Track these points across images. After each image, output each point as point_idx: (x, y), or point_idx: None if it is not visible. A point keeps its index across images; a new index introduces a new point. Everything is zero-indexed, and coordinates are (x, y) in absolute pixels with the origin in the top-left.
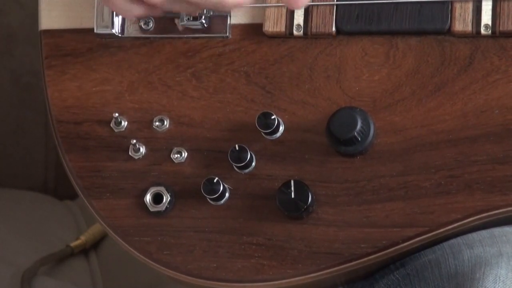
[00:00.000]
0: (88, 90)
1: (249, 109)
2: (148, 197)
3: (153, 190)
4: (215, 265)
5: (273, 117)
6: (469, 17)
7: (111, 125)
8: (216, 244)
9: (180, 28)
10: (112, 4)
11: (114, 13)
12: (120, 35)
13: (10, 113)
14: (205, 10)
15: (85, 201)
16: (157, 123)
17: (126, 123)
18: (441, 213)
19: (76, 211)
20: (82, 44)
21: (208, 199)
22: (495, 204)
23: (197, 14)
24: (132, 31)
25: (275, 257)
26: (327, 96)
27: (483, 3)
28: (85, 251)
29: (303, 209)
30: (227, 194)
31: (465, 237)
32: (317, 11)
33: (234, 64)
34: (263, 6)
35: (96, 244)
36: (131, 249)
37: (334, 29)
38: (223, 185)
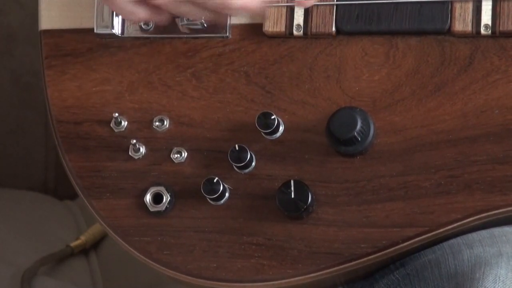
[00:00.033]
0: (88, 90)
1: (249, 109)
2: (148, 197)
3: (153, 190)
4: (215, 265)
5: (273, 117)
6: (469, 17)
7: (111, 125)
8: (216, 244)
9: (181, 28)
10: (115, 5)
11: (114, 13)
12: (120, 35)
13: (10, 113)
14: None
15: (85, 201)
16: (157, 123)
17: (126, 123)
18: (441, 213)
19: (76, 211)
20: (82, 44)
21: (208, 199)
22: (495, 204)
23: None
24: (132, 31)
25: (275, 257)
26: (327, 96)
27: (483, 3)
28: (85, 251)
29: (303, 209)
30: (227, 194)
31: (465, 237)
32: (317, 11)
33: (234, 64)
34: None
35: (96, 244)
36: (131, 249)
37: (334, 29)
38: (223, 185)
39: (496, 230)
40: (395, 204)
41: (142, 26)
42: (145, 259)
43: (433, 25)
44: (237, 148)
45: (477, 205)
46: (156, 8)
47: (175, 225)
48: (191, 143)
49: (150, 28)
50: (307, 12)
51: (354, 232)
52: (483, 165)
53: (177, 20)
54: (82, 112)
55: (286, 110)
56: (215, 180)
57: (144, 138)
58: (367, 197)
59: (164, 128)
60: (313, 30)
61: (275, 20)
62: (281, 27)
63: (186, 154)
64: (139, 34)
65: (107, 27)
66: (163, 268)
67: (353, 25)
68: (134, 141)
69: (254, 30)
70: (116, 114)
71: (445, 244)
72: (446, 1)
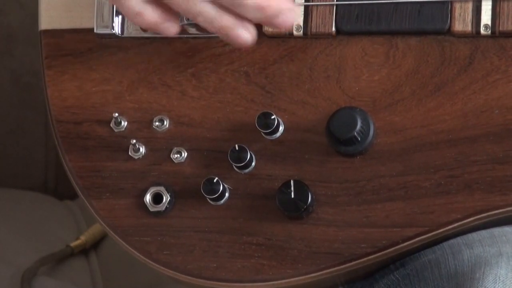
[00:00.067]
0: (88, 90)
1: (249, 109)
2: (148, 197)
3: (153, 190)
4: (215, 265)
5: (273, 117)
6: (469, 17)
7: (111, 125)
8: (216, 244)
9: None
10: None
11: (114, 12)
12: (120, 35)
13: (10, 113)
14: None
15: (85, 201)
16: (157, 123)
17: (126, 123)
18: (441, 213)
19: (76, 211)
20: (82, 44)
21: (208, 199)
22: (495, 204)
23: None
24: (132, 31)
25: (275, 257)
26: (327, 96)
27: (483, 3)
28: (85, 251)
29: (303, 209)
30: (227, 194)
31: (465, 237)
32: (317, 11)
33: (234, 64)
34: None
35: (96, 244)
36: (131, 249)
37: (334, 29)
38: (223, 185)
39: (496, 230)
40: (395, 204)
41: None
42: (145, 259)
43: (433, 25)
44: (237, 148)
45: (477, 205)
46: (166, 11)
47: (175, 225)
48: (191, 143)
49: None
50: (307, 12)
51: (354, 232)
52: (483, 165)
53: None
54: (82, 112)
55: (286, 110)
56: (215, 180)
57: (144, 138)
58: (367, 197)
59: (164, 128)
60: (313, 30)
61: None
62: None
63: (186, 154)
64: (139, 34)
65: (107, 27)
66: (163, 268)
67: (353, 25)
68: (134, 141)
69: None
70: (116, 114)
71: (445, 244)
72: (446, 1)
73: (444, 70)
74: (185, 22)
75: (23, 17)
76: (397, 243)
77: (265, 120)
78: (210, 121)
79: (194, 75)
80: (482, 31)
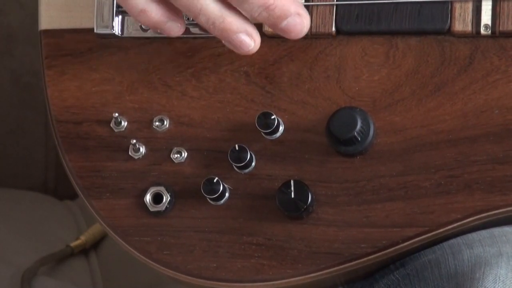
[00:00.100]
0: (88, 90)
1: (249, 109)
2: (148, 197)
3: (153, 190)
4: (215, 265)
5: (273, 117)
6: (469, 17)
7: (111, 125)
8: (216, 244)
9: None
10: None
11: (114, 12)
12: (120, 35)
13: (10, 113)
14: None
15: (85, 201)
16: (157, 123)
17: (126, 123)
18: (441, 213)
19: (76, 211)
20: (82, 44)
21: (208, 199)
22: (495, 204)
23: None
24: (132, 31)
25: (275, 257)
26: (327, 96)
27: (483, 3)
28: (85, 251)
29: (303, 209)
30: (227, 194)
31: (465, 237)
32: (317, 11)
33: (234, 64)
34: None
35: (96, 244)
36: (131, 249)
37: (334, 29)
38: (223, 185)
39: (496, 230)
40: (395, 204)
41: (142, 26)
42: (145, 259)
43: (433, 25)
44: (237, 148)
45: (477, 205)
46: (171, 10)
47: (175, 225)
48: (191, 143)
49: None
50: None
51: (354, 232)
52: (483, 165)
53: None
54: (82, 112)
55: (286, 110)
56: (215, 180)
57: (144, 138)
58: (367, 197)
59: (164, 128)
60: (313, 30)
61: None
62: None
63: (186, 154)
64: (139, 34)
65: (107, 27)
66: (163, 268)
67: (353, 25)
68: (134, 141)
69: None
70: (116, 114)
71: (445, 244)
72: (446, 1)
73: (444, 70)
74: (186, 22)
75: (23, 17)
76: (397, 243)
77: (265, 120)
78: (210, 121)
79: (194, 75)
80: (482, 31)
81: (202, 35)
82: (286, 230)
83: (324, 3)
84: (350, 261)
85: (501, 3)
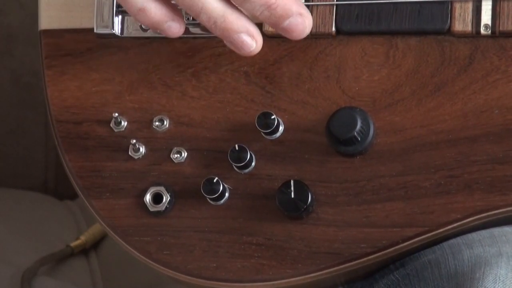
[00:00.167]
0: (88, 90)
1: (249, 109)
2: (148, 197)
3: (153, 190)
4: (215, 265)
5: (273, 117)
6: (469, 17)
7: (110, 125)
8: (216, 244)
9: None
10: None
11: (114, 12)
12: (120, 35)
13: (10, 113)
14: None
15: (85, 201)
16: (157, 123)
17: (126, 123)
18: (441, 213)
19: (76, 211)
20: (82, 44)
21: (208, 199)
22: (495, 204)
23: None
24: (132, 31)
25: (275, 257)
26: (327, 96)
27: (483, 3)
28: (85, 251)
29: (302, 209)
30: (227, 194)
31: (464, 237)
32: (317, 11)
33: (234, 64)
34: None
35: (96, 244)
36: (131, 249)
37: (334, 29)
38: (223, 185)
39: (496, 230)
40: (395, 204)
41: (142, 26)
42: (145, 259)
43: (433, 25)
44: (237, 148)
45: (477, 205)
46: (171, 9)
47: (175, 225)
48: (191, 143)
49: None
50: None
51: (354, 232)
52: (483, 165)
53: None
54: (82, 112)
55: (286, 110)
56: (215, 180)
57: (144, 138)
58: (367, 197)
59: (164, 128)
60: (313, 30)
61: None
62: None
63: (186, 154)
64: (139, 34)
65: (107, 27)
66: (163, 268)
67: (353, 25)
68: (134, 141)
69: None
70: (116, 114)
71: (445, 244)
72: (446, 1)
73: (444, 70)
74: (185, 21)
75: (23, 17)
76: (397, 243)
77: (265, 120)
78: (210, 121)
79: (194, 75)
80: (482, 31)
81: (202, 35)
82: (286, 230)
83: (324, 3)
84: (350, 261)
85: (501, 3)
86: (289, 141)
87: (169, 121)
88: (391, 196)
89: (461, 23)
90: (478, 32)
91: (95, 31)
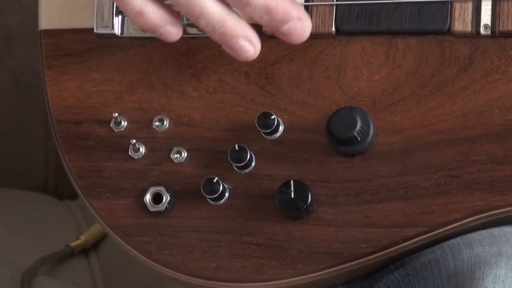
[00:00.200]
0: (88, 90)
1: (249, 109)
2: (148, 197)
3: (153, 190)
4: (215, 265)
5: (272, 117)
6: (469, 17)
7: (110, 125)
8: (216, 244)
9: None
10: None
11: (114, 12)
12: (120, 35)
13: (10, 113)
14: None
15: (85, 201)
16: (156, 123)
17: (125, 123)
18: (441, 213)
19: (76, 211)
20: (82, 44)
21: (208, 199)
22: (495, 204)
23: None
24: (132, 31)
25: (274, 257)
26: (327, 96)
27: (483, 3)
28: (85, 251)
29: (302, 209)
30: (226, 194)
31: (464, 237)
32: (317, 11)
33: (234, 64)
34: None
35: (96, 244)
36: (131, 249)
37: (334, 29)
38: (223, 185)
39: (496, 230)
40: (395, 204)
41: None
42: (145, 259)
43: (433, 25)
44: (237, 148)
45: (477, 205)
46: (169, 13)
47: (175, 225)
48: (191, 143)
49: None
50: (307, 13)
51: (354, 232)
52: (483, 165)
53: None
54: (81, 112)
55: (286, 110)
56: (215, 180)
57: (144, 138)
58: (367, 197)
59: (164, 128)
60: (313, 30)
61: None
62: None
63: (186, 154)
64: (139, 34)
65: (107, 27)
66: (163, 268)
67: (353, 25)
68: (134, 141)
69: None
70: (116, 114)
71: (445, 244)
72: (446, 1)
73: (444, 70)
74: (185, 22)
75: (23, 17)
76: (397, 243)
77: (265, 120)
78: (210, 121)
79: (194, 75)
80: (482, 31)
81: (202, 35)
82: (286, 230)
83: (324, 3)
84: (350, 261)
85: (501, 3)
86: (289, 141)
87: (169, 121)
88: (391, 196)
89: (461, 23)
90: (478, 32)
91: (95, 31)
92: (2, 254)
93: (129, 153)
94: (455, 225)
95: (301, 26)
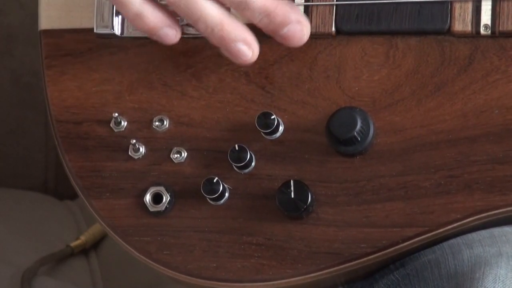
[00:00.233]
0: (88, 90)
1: (249, 109)
2: (148, 197)
3: (153, 190)
4: (215, 265)
5: (272, 117)
6: (469, 17)
7: (110, 125)
8: (216, 244)
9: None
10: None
11: (114, 12)
12: (120, 35)
13: (10, 113)
14: None
15: (85, 201)
16: (156, 123)
17: (125, 123)
18: (441, 213)
19: (76, 211)
20: (82, 44)
21: (208, 199)
22: (495, 204)
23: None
24: (132, 31)
25: (274, 257)
26: (327, 96)
27: (483, 3)
28: (85, 251)
29: (302, 209)
30: (226, 194)
31: (464, 237)
32: (317, 11)
33: (234, 64)
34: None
35: (96, 244)
36: (131, 249)
37: (334, 29)
38: (223, 185)
39: (496, 230)
40: (395, 204)
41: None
42: (145, 259)
43: (433, 25)
44: (237, 148)
45: (477, 205)
46: (167, 15)
47: (175, 225)
48: (191, 143)
49: None
50: (307, 12)
51: (354, 232)
52: (483, 165)
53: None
54: (81, 112)
55: (286, 110)
56: (215, 180)
57: (144, 138)
58: (367, 197)
59: (164, 128)
60: (313, 30)
61: None
62: None
63: (186, 154)
64: (139, 34)
65: (107, 27)
66: (163, 268)
67: (353, 25)
68: (134, 141)
69: (254, 30)
70: (116, 114)
71: (445, 244)
72: (446, 1)
73: (444, 70)
74: (185, 21)
75: (23, 17)
76: (397, 243)
77: (265, 120)
78: (210, 121)
79: (194, 75)
80: (482, 31)
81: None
82: (286, 230)
83: (324, 3)
84: (350, 261)
85: (501, 3)
86: (289, 141)
87: (169, 121)
88: (391, 196)
89: (461, 23)
90: (478, 32)
91: (95, 31)
92: (2, 254)
93: (129, 153)
94: (455, 225)
95: (300, 29)
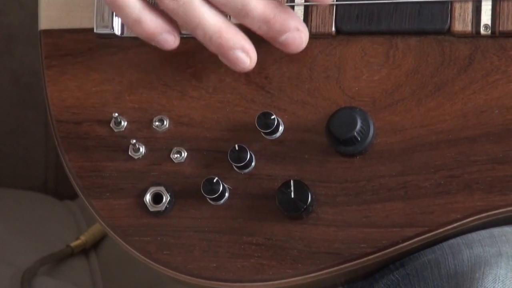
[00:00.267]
0: (88, 90)
1: (249, 109)
2: (147, 197)
3: (152, 190)
4: (215, 265)
5: (272, 117)
6: (469, 17)
7: (110, 125)
8: (216, 244)
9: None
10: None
11: (114, 13)
12: (120, 35)
13: (10, 113)
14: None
15: (85, 201)
16: (156, 123)
17: (125, 123)
18: (441, 213)
19: (76, 211)
20: (82, 44)
21: (208, 199)
22: (495, 204)
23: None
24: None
25: (274, 257)
26: (327, 96)
27: (483, 3)
28: (85, 251)
29: (302, 209)
30: (226, 194)
31: (464, 237)
32: (317, 11)
33: None
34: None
35: (96, 244)
36: (131, 249)
37: (334, 29)
38: (223, 185)
39: (496, 230)
40: (395, 204)
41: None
42: (145, 259)
43: (433, 25)
44: (237, 148)
45: (477, 205)
46: (166, 21)
47: (175, 225)
48: (191, 143)
49: None
50: (307, 12)
51: (354, 232)
52: (483, 165)
53: None
54: (81, 112)
55: (286, 110)
56: (215, 180)
57: (144, 138)
58: (367, 197)
59: (164, 128)
60: (313, 30)
61: None
62: None
63: (186, 154)
64: None
65: (107, 27)
66: (163, 268)
67: (353, 25)
68: (134, 141)
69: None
70: (116, 114)
71: (445, 244)
72: (446, 1)
73: (444, 70)
74: None
75: (23, 17)
76: (397, 243)
77: (265, 120)
78: (210, 121)
79: (194, 75)
80: (482, 31)
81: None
82: (286, 230)
83: None
84: (350, 261)
85: (501, 3)
86: (289, 141)
87: (169, 121)
88: (391, 196)
89: (461, 23)
90: (478, 32)
91: (95, 31)
92: (2, 254)
93: (129, 153)
94: (455, 225)
95: (298, 36)
